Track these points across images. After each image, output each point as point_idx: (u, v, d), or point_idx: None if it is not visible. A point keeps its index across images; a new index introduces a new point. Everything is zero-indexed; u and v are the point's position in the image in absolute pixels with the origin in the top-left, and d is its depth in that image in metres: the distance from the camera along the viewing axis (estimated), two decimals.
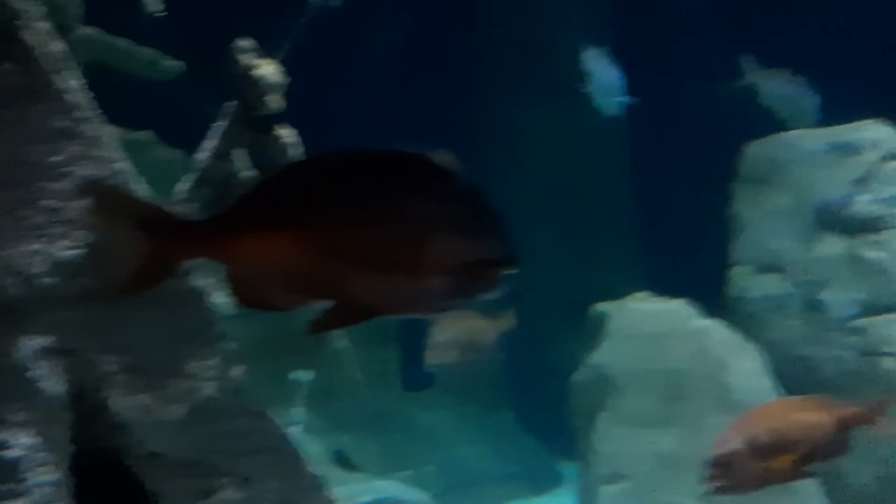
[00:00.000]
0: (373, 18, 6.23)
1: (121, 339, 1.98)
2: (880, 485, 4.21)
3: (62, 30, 2.52)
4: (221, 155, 3.04)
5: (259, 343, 3.70)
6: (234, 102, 3.02)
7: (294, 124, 3.00)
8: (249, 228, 1.39)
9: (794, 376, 4.33)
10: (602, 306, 4.65)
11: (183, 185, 3.11)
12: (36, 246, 1.88)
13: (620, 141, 6.42)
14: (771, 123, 5.07)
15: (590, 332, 4.65)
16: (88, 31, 4.53)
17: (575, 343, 4.84)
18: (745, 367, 4.24)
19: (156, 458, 2.00)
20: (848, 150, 4.73)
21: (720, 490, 2.55)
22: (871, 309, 4.44)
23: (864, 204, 4.60)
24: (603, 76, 5.16)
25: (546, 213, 6.31)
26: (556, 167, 6.45)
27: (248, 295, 1.41)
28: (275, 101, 2.96)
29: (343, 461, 4.94)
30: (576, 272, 6.22)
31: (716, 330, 4.36)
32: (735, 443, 2.48)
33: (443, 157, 1.45)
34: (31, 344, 1.85)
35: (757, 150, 4.90)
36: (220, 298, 2.65)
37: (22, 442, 1.79)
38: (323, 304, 1.42)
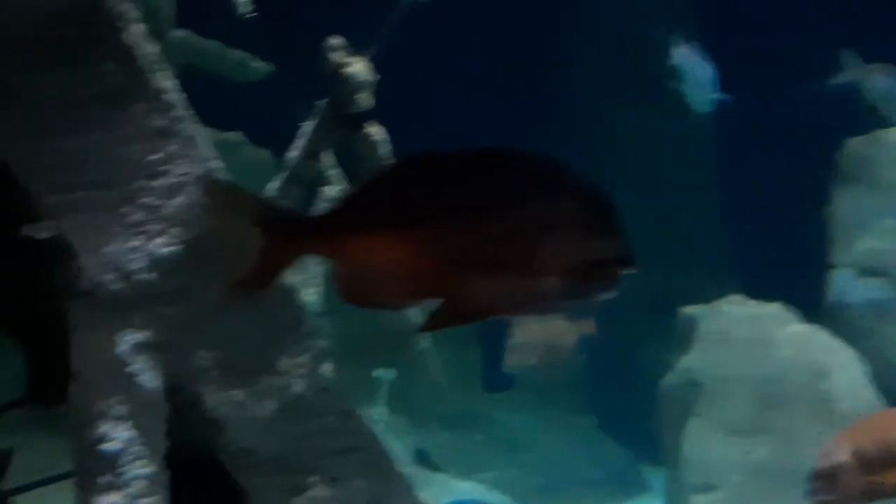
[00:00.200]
0: (462, 16, 6.22)
1: (214, 335, 2.00)
2: None
3: (156, 33, 2.57)
4: (312, 153, 3.08)
5: (342, 341, 3.73)
6: (325, 101, 3.05)
7: (383, 122, 3.02)
8: (362, 226, 1.39)
9: None
10: (692, 309, 4.54)
11: (274, 184, 3.16)
12: (135, 243, 1.91)
13: (713, 139, 6.25)
14: (872, 120, 4.86)
15: (678, 335, 4.54)
16: (180, 33, 4.65)
17: (662, 347, 4.73)
18: (846, 374, 4.07)
19: (247, 454, 2.02)
20: None
21: None
22: None
23: None
24: (695, 72, 5.04)
25: (635, 213, 6.18)
26: (646, 165, 6.33)
27: (357, 292, 1.41)
28: (365, 99, 2.98)
29: (424, 461, 4.94)
30: (664, 274, 6.09)
31: (814, 335, 4.21)
32: (841, 455, 2.37)
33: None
34: (129, 338, 1.89)
35: (857, 148, 4.71)
36: (308, 296, 2.68)
37: (121, 435, 1.83)
38: (432, 303, 1.40)
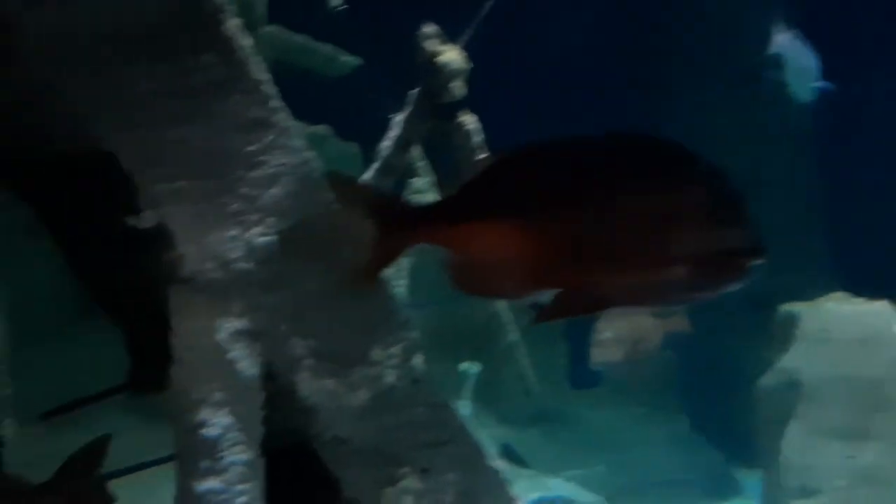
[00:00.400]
0: (556, 2, 6.16)
1: (309, 324, 2.02)
2: None
3: (249, 28, 2.61)
4: (404, 144, 3.08)
5: (428, 334, 3.73)
6: (417, 90, 3.04)
7: (475, 112, 3.00)
8: (479, 215, 1.38)
9: None
10: (791, 307, 4.38)
11: (366, 176, 3.17)
12: (233, 232, 1.94)
13: (814, 130, 6.02)
14: None
15: (778, 333, 4.39)
16: (270, 28, 4.73)
17: (759, 345, 4.58)
18: None
19: (340, 444, 2.03)
20: None
21: None
22: None
23: None
24: (796, 60, 4.85)
25: None
26: (745, 156, 6.14)
27: (473, 282, 1.40)
28: (458, 88, 2.96)
29: (510, 456, 4.92)
30: (762, 269, 5.88)
31: None
32: None
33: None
34: (228, 326, 1.92)
35: None
36: (396, 288, 2.68)
37: (220, 421, 1.86)
38: (549, 293, 1.38)
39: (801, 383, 4.05)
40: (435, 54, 2.90)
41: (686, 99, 6.20)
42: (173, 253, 1.92)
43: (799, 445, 3.94)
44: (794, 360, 4.13)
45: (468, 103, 2.99)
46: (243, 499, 1.87)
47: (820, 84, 4.73)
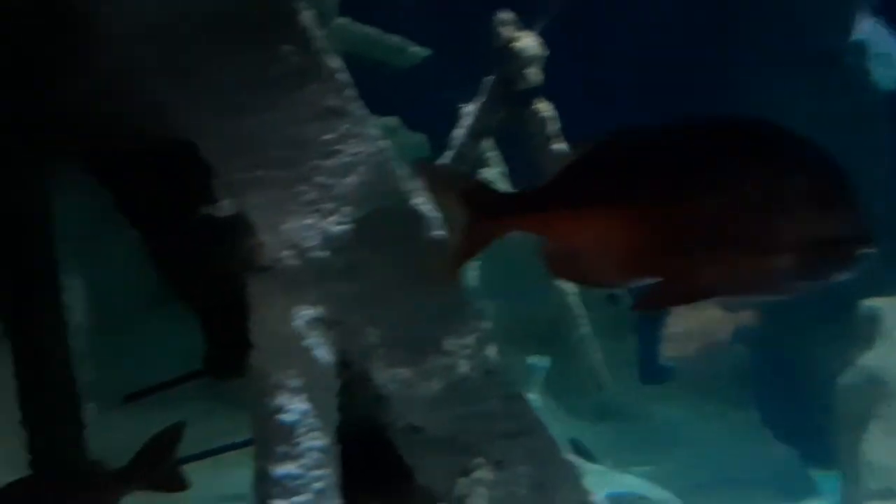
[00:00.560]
0: None
1: (383, 312, 2.03)
2: None
3: (321, 19, 2.63)
4: (477, 132, 3.06)
5: (498, 326, 3.71)
6: (491, 78, 3.02)
7: (550, 99, 2.96)
8: (575, 202, 1.35)
9: None
10: (874, 302, 4.23)
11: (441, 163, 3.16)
12: (310, 220, 1.95)
13: None
14: None
15: (859, 330, 4.25)
16: (341, 20, 4.76)
17: (839, 342, 4.44)
18: None
19: (414, 433, 2.03)
20: None
21: None
22: None
23: None
24: (881, 47, 4.68)
25: None
26: (825, 146, 5.94)
27: (569, 270, 1.37)
28: (534, 75, 2.92)
29: (579, 451, 4.87)
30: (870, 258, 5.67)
31: None
32: None
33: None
34: (304, 314, 1.94)
35: None
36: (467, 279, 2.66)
37: (297, 407, 1.88)
38: (648, 282, 1.34)
39: (885, 382, 3.90)
40: (511, 40, 2.86)
41: (766, 88, 6.03)
42: (251, 241, 1.94)
43: (880, 446, 3.80)
44: (876, 358, 3.98)
45: (543, 91, 2.96)
46: (319, 484, 1.89)
47: None
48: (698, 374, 5.28)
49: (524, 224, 1.40)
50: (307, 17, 2.01)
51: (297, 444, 1.87)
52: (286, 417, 1.86)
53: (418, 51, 4.96)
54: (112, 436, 2.71)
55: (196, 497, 2.45)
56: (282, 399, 1.87)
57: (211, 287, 2.47)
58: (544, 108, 2.89)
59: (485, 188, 1.45)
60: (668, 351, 4.91)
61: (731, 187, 1.24)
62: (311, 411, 1.90)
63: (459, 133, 3.03)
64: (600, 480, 4.41)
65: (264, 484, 1.87)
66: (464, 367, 2.05)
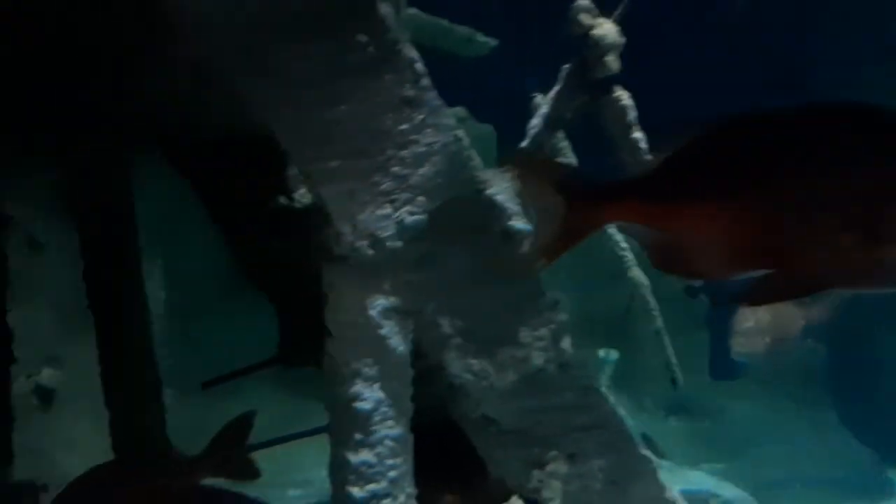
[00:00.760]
0: None
1: (457, 303, 2.02)
2: None
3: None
4: (554, 121, 3.02)
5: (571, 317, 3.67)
6: (568, 66, 2.97)
7: (626, 87, 2.91)
8: (683, 191, 1.31)
9: None
10: None
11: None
12: (385, 211, 1.96)
13: None
14: None
15: None
16: (410, 11, 4.76)
17: None
18: None
19: (488, 424, 2.02)
20: None
21: None
22: None
23: None
24: None
25: None
26: None
27: (675, 262, 1.34)
28: (613, 62, 2.87)
29: (649, 446, 4.80)
30: None
31: None
32: None
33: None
34: (380, 303, 1.94)
35: None
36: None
37: (372, 395, 1.89)
38: (755, 274, 1.30)
39: None
40: (590, 28, 2.82)
41: (841, 79, 5.85)
42: (328, 231, 1.96)
43: None
44: None
45: (619, 79, 2.91)
46: (394, 473, 1.90)
47: None
48: (770, 370, 5.15)
49: (628, 214, 1.35)
50: (385, 7, 2.01)
51: (373, 432, 1.88)
52: (362, 405, 1.87)
53: (486, 41, 4.94)
54: (190, 420, 2.76)
55: (265, 484, 2.48)
56: (358, 387, 1.88)
57: (287, 276, 2.50)
58: (623, 96, 2.84)
59: (584, 176, 1.39)
60: (740, 346, 4.80)
61: (848, 174, 1.19)
62: (385, 400, 1.90)
63: (536, 123, 2.99)
64: (670, 477, 4.32)
65: (341, 471, 1.89)
66: (539, 359, 2.04)
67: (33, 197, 2.92)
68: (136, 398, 2.52)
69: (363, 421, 1.88)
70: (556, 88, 3.02)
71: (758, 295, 1.31)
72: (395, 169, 1.96)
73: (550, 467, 2.00)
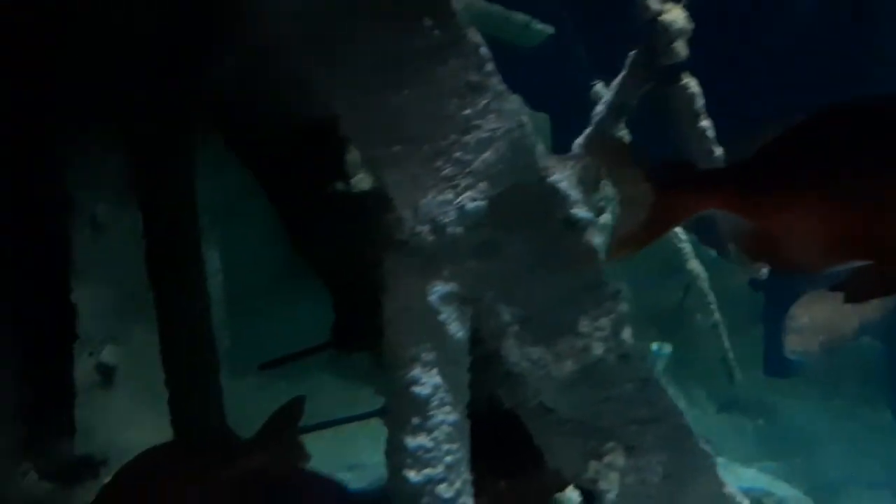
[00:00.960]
0: None
1: (517, 291, 2.01)
2: None
3: None
4: (619, 109, 2.98)
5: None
6: (634, 52, 2.92)
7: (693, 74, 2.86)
8: (781, 180, 1.28)
9: None
10: None
11: (581, 140, 3.10)
12: (446, 196, 1.95)
13: None
14: None
15: None
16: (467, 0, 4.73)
17: None
18: None
19: (546, 413, 2.01)
20: None
21: None
22: None
23: None
24: None
25: None
26: None
27: (770, 253, 1.31)
28: (681, 49, 2.82)
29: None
30: None
31: None
32: None
33: None
34: (439, 289, 1.94)
35: None
36: None
37: (430, 380, 1.89)
38: (854, 267, 1.27)
39: None
40: (659, 13, 2.77)
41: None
42: (389, 216, 1.96)
43: None
44: None
45: (686, 66, 2.86)
46: (450, 458, 1.89)
47: None
48: (824, 368, 5.05)
49: (721, 203, 1.31)
50: None
51: (430, 416, 1.88)
52: (420, 390, 1.88)
53: (542, 29, 4.90)
54: (245, 402, 2.80)
55: (316, 467, 2.49)
56: (416, 372, 1.88)
57: (342, 262, 2.51)
58: (691, 83, 2.78)
59: (673, 163, 1.36)
60: (795, 344, 4.70)
61: None
62: (443, 385, 1.90)
63: (600, 110, 2.95)
64: (722, 474, 4.27)
65: (398, 454, 1.89)
66: (598, 349, 2.02)
67: (97, 179, 2.98)
68: (194, 378, 2.56)
69: (421, 405, 1.88)
70: (621, 75, 2.97)
71: (858, 290, 1.27)
72: (458, 154, 1.95)
73: (608, 459, 1.98)
